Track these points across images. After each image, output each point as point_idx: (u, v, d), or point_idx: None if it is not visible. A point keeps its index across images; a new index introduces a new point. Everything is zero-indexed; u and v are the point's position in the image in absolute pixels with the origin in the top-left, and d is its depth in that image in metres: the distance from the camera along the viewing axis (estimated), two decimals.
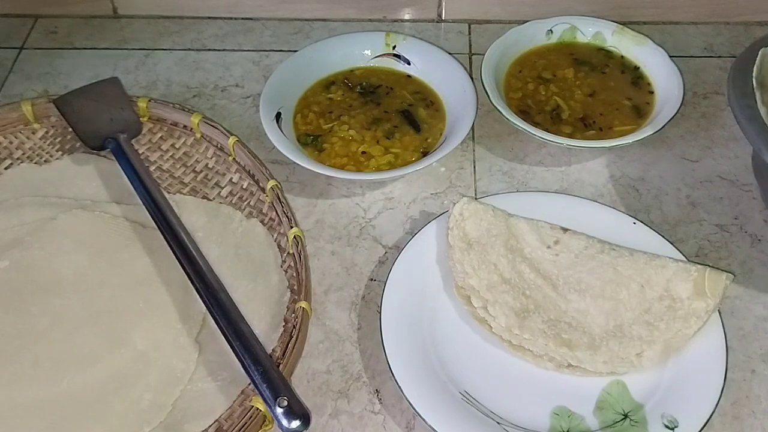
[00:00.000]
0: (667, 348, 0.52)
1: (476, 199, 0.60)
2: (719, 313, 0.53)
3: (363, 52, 0.72)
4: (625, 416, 0.50)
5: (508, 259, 0.56)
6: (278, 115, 0.65)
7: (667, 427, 0.48)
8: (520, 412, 0.50)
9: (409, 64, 0.71)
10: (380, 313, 0.53)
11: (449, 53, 0.71)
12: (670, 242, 0.58)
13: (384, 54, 0.72)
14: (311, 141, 0.65)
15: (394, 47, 0.72)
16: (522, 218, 0.58)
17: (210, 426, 0.48)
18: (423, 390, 0.50)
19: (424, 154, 0.64)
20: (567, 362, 0.52)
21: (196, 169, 0.65)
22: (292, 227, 0.58)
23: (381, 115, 0.68)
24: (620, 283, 0.55)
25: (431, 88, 0.70)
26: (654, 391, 0.51)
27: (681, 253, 0.57)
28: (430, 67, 0.71)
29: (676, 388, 0.51)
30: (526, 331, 0.53)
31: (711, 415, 0.48)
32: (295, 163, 0.61)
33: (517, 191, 0.65)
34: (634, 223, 0.60)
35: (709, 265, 0.55)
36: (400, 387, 0.50)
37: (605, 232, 0.58)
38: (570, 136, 0.65)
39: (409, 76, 0.71)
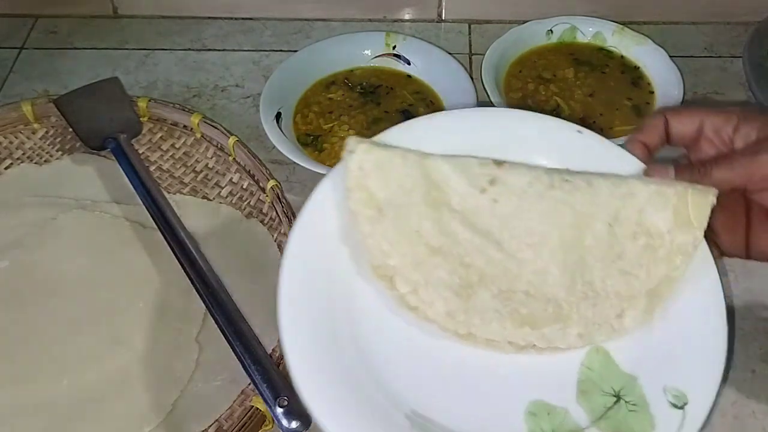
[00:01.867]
0: (653, 301, 0.43)
1: (375, 141, 0.45)
2: (709, 246, 0.44)
3: (363, 52, 0.72)
4: (618, 397, 0.41)
5: (432, 219, 0.43)
6: (278, 115, 0.65)
7: (674, 405, 0.39)
8: (488, 422, 0.40)
9: (409, 64, 0.71)
10: (280, 330, 0.40)
11: (449, 53, 0.71)
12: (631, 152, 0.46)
13: (384, 54, 0.72)
14: (311, 141, 0.65)
15: (394, 47, 0.72)
16: (442, 157, 0.45)
17: (210, 426, 0.48)
18: (356, 424, 0.38)
19: None
20: (532, 344, 0.42)
21: (196, 169, 0.65)
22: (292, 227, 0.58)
23: (381, 115, 0.67)
24: (582, 225, 0.43)
25: (431, 88, 0.70)
26: (645, 357, 0.42)
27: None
28: (431, 67, 0.71)
29: (672, 349, 0.42)
30: (473, 314, 0.42)
31: (720, 383, 0.40)
32: (295, 163, 0.61)
33: (421, 116, 0.50)
34: (579, 131, 0.47)
35: (690, 185, 0.43)
36: (323, 428, 0.37)
37: (549, 155, 0.46)
38: None
39: (409, 76, 0.71)
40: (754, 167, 0.42)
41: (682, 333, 0.42)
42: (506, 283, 0.43)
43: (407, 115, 0.67)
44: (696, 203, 0.43)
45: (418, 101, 0.69)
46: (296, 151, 0.63)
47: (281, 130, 0.64)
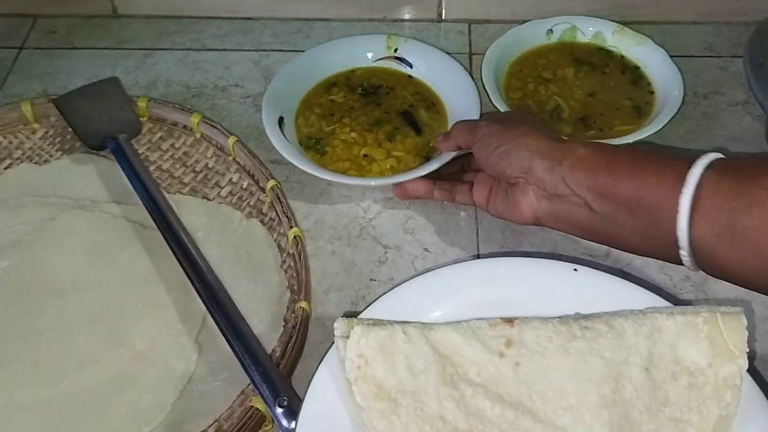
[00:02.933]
0: None
1: (367, 320, 0.41)
2: (753, 376, 0.41)
3: (364, 54, 0.72)
4: None
5: (454, 399, 0.39)
6: (281, 120, 0.65)
7: None
8: None
9: (411, 66, 0.71)
10: None
11: (451, 56, 0.70)
12: (633, 281, 0.44)
13: (386, 57, 0.72)
14: (313, 144, 0.65)
15: (395, 50, 0.72)
16: (446, 326, 0.42)
17: (210, 426, 0.48)
18: None
19: (427, 159, 0.64)
20: None
21: (195, 168, 0.65)
22: (291, 227, 0.58)
23: (382, 117, 0.67)
24: (617, 375, 0.40)
25: (433, 90, 0.70)
26: None
27: (655, 294, 0.44)
28: (433, 69, 0.70)
29: None
30: None
31: None
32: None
33: (406, 281, 0.46)
34: (575, 270, 0.45)
35: (714, 307, 0.42)
36: None
37: (553, 302, 0.42)
38: (570, 136, 0.65)
39: (410, 76, 0.71)
40: (475, 131, 0.55)
41: None
42: None
43: (407, 116, 0.67)
44: (730, 327, 0.40)
45: (419, 102, 0.69)
46: (299, 155, 0.62)
47: (284, 135, 0.64)
